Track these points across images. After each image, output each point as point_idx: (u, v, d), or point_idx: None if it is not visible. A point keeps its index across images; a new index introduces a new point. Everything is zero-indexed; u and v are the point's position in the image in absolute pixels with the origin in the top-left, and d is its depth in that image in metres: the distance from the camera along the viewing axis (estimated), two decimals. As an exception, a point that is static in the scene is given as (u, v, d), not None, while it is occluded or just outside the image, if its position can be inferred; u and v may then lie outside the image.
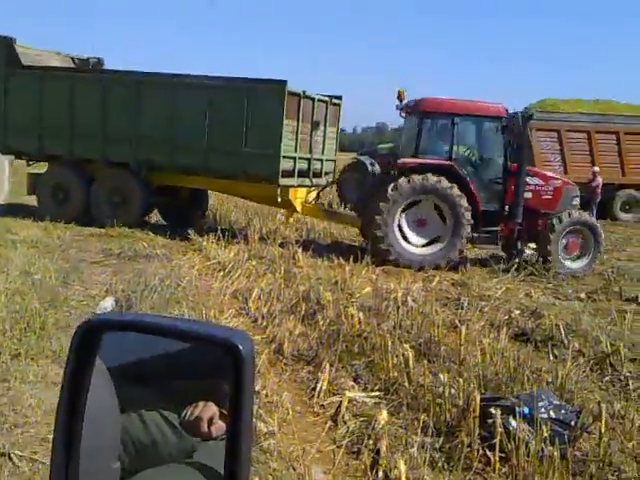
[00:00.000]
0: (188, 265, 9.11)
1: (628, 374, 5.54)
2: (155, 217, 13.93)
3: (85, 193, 12.31)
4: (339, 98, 13.21)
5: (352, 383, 5.10)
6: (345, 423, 4.38)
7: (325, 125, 12.73)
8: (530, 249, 11.16)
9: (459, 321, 6.75)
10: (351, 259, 9.89)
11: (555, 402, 4.34)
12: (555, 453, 3.66)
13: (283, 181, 11.50)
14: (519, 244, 10.96)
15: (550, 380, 5.07)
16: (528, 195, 10.64)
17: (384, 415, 4.32)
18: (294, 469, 3.75)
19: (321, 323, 6.33)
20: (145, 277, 7.45)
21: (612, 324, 7.18)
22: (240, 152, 11.35)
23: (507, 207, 10.70)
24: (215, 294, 7.62)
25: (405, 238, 10.60)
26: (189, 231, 11.44)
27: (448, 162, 10.51)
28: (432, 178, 10.25)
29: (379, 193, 10.59)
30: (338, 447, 4.08)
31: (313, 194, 13.05)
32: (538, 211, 10.75)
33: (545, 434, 3.80)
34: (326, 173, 13.40)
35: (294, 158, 11.76)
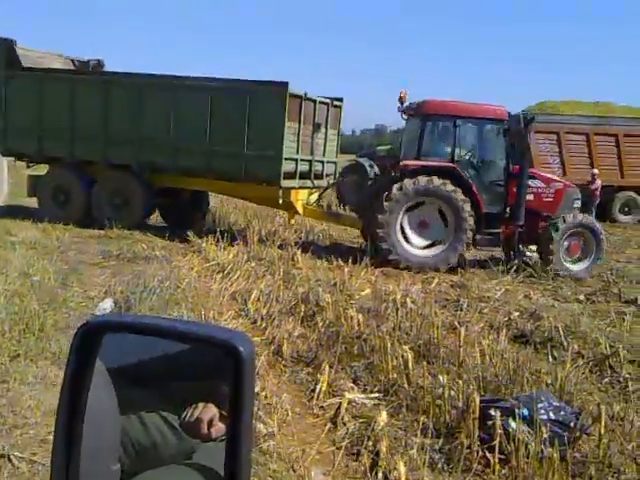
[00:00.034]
0: (187, 267, 9.12)
1: (627, 376, 5.54)
2: (156, 219, 13.93)
3: (86, 195, 12.32)
4: (340, 100, 13.27)
5: (351, 385, 5.10)
6: (345, 424, 4.38)
7: (326, 127, 12.77)
8: (531, 251, 11.18)
9: (458, 323, 6.75)
10: (350, 261, 9.90)
11: (555, 403, 4.34)
12: (555, 454, 3.66)
13: (285, 183, 11.52)
14: (520, 246, 10.99)
15: (549, 382, 5.06)
16: (529, 197, 10.66)
17: (384, 416, 4.32)
18: (294, 470, 3.75)
19: (320, 325, 6.34)
20: (144, 279, 7.44)
21: (611, 326, 7.20)
22: (242, 154, 11.37)
23: (509, 209, 10.74)
24: (214, 295, 7.63)
25: (407, 240, 10.63)
26: (188, 233, 11.45)
27: (450, 164, 10.54)
28: (437, 181, 10.29)
29: (381, 194, 10.60)
30: (338, 448, 4.08)
31: (314, 196, 13.08)
32: (539, 213, 10.78)
33: (545, 435, 3.80)
34: (327, 175, 13.45)
35: (296, 160, 11.80)
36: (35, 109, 12.30)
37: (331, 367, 5.23)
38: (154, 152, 11.91)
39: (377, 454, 3.90)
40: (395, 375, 5.10)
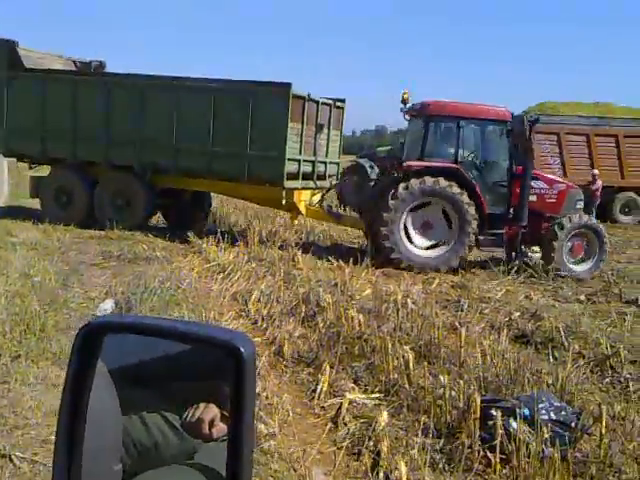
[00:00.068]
0: (188, 267, 9.13)
1: (628, 376, 5.54)
2: (157, 219, 13.96)
3: (88, 196, 12.35)
4: (342, 101, 13.31)
5: (352, 385, 5.11)
6: (345, 425, 4.39)
7: (329, 128, 12.81)
8: (533, 252, 11.21)
9: (459, 323, 6.75)
10: (351, 261, 9.91)
11: (555, 404, 4.34)
12: (556, 454, 3.67)
13: (288, 184, 11.56)
14: (522, 247, 11.03)
15: (550, 382, 5.07)
16: (533, 198, 10.72)
17: (384, 417, 4.32)
18: (295, 470, 3.76)
19: (321, 325, 6.35)
20: (145, 279, 7.45)
21: (612, 326, 7.20)
22: (245, 155, 11.40)
23: (512, 210, 10.78)
24: (215, 296, 7.65)
25: (410, 240, 10.66)
26: (189, 233, 11.47)
27: (454, 165, 10.58)
28: (443, 182, 10.32)
29: (386, 194, 10.62)
30: (339, 448, 4.09)
31: (317, 196, 13.12)
32: (542, 214, 10.82)
33: (546, 435, 3.81)
34: (330, 176, 13.49)
35: (298, 161, 11.85)
36: (37, 110, 12.32)
37: (332, 367, 5.24)
38: (156, 153, 11.94)
39: (378, 454, 3.91)
40: (396, 375, 5.11)
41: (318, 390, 4.88)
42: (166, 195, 12.72)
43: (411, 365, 5.14)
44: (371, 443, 4.05)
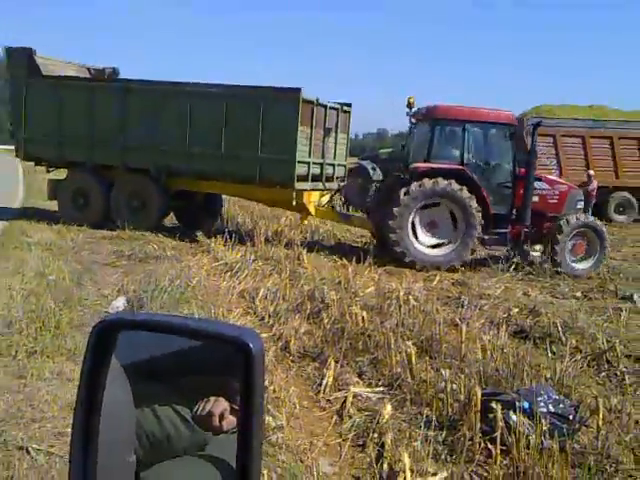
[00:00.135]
0: (197, 266, 9.20)
1: (624, 369, 5.62)
2: (170, 219, 14.07)
3: (105, 198, 12.54)
4: (349, 105, 13.49)
5: (357, 379, 5.19)
6: (350, 417, 4.45)
7: (336, 131, 12.98)
8: (535, 251, 11.33)
9: (460, 319, 6.84)
10: (354, 260, 10.01)
11: (554, 397, 4.39)
12: (554, 446, 3.72)
13: (298, 185, 11.72)
14: (525, 246, 11.14)
15: (549, 375, 5.14)
16: (535, 199, 10.90)
17: (388, 409, 4.40)
18: (302, 461, 3.82)
19: (326, 321, 6.42)
20: (155, 278, 7.54)
21: (608, 322, 7.29)
22: (256, 158, 11.56)
23: (515, 210, 10.94)
24: (223, 294, 7.73)
25: (416, 237, 10.79)
26: (198, 233, 11.60)
27: (460, 167, 10.73)
28: (456, 185, 10.48)
29: (393, 195, 10.78)
30: (344, 440, 4.15)
31: (326, 197, 13.29)
32: (545, 214, 11.01)
33: (544, 427, 3.86)
34: (337, 177, 13.64)
35: (308, 163, 12.00)
36: (55, 115, 12.51)
37: (337, 362, 5.31)
38: (171, 156, 12.12)
39: (382, 446, 3.96)
40: (399, 370, 5.18)
41: (324, 384, 4.96)
42: (180, 197, 12.92)
43: (413, 360, 5.20)
44: (375, 435, 4.12)
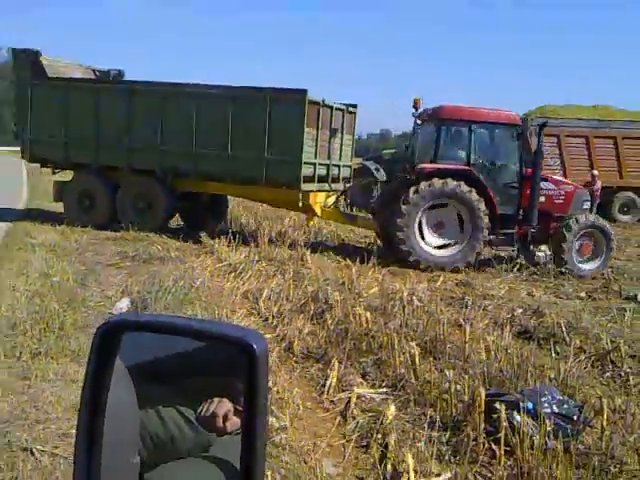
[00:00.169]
0: (201, 267, 9.22)
1: (628, 370, 5.62)
2: (176, 220, 14.11)
3: (111, 200, 12.60)
4: (354, 107, 13.55)
5: (360, 380, 5.19)
6: (354, 418, 4.45)
7: (342, 132, 13.03)
8: (541, 251, 11.33)
9: (463, 320, 6.86)
10: (358, 260, 10.02)
11: (558, 397, 4.39)
12: (558, 446, 3.72)
13: (304, 186, 11.75)
14: (531, 246, 11.15)
15: (553, 376, 5.14)
16: (541, 199, 10.93)
17: (392, 410, 4.39)
18: (305, 462, 3.81)
19: (330, 322, 6.42)
20: (159, 279, 7.56)
21: (612, 322, 7.29)
22: (262, 159, 11.61)
23: (522, 211, 10.96)
24: (227, 295, 7.74)
25: (422, 237, 10.82)
26: (201, 234, 11.63)
27: (467, 167, 10.76)
28: (465, 187, 10.51)
29: (399, 195, 10.80)
30: (348, 441, 4.15)
31: (332, 199, 13.32)
32: (551, 214, 11.03)
33: (549, 428, 3.86)
34: (343, 178, 13.69)
35: (314, 164, 12.05)
36: (60, 117, 12.59)
37: (340, 363, 5.32)
38: (177, 158, 12.18)
39: (386, 446, 3.96)
40: (403, 370, 5.18)
41: (327, 385, 4.96)
42: (185, 198, 12.97)
43: (417, 360, 5.20)
44: (379, 436, 4.12)
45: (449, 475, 3.73)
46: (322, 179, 12.56)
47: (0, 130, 44.77)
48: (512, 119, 11.16)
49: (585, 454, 3.96)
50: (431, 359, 5.51)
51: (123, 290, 7.37)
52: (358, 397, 4.78)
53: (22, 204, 16.67)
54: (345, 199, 18.15)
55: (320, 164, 12.34)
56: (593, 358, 5.86)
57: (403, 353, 5.40)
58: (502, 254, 11.47)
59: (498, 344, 5.76)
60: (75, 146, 12.74)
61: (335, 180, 13.24)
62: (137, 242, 10.95)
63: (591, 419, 4.32)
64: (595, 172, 18.14)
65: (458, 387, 4.69)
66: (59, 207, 13.61)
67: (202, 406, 1.29)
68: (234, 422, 1.26)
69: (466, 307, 7.74)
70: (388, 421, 4.27)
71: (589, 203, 11.77)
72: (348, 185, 14.43)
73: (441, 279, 9.77)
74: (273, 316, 6.83)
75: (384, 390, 5.00)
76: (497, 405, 4.03)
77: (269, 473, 3.41)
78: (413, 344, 5.54)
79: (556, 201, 11.17)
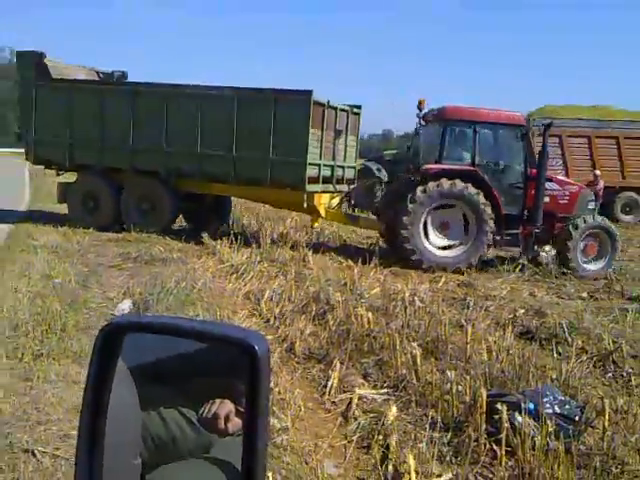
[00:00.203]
0: (202, 268, 9.22)
1: (630, 370, 5.60)
2: (180, 221, 14.13)
3: (115, 201, 12.61)
4: (359, 108, 13.58)
5: (362, 380, 5.20)
6: (355, 419, 4.45)
7: (346, 133, 13.04)
8: (545, 251, 11.34)
9: (465, 320, 6.86)
10: (360, 261, 10.04)
11: (560, 398, 4.39)
12: (560, 447, 3.71)
13: (309, 187, 11.77)
14: (535, 246, 11.16)
15: (554, 376, 5.14)
16: (546, 199, 10.94)
17: (393, 411, 4.39)
18: (307, 463, 3.81)
19: (331, 323, 6.43)
20: (161, 280, 7.56)
21: (614, 322, 7.27)
22: (267, 160, 11.63)
23: (527, 211, 10.99)
24: (228, 295, 7.76)
25: (427, 237, 10.85)
26: (203, 235, 11.65)
27: (472, 168, 10.78)
28: (472, 189, 10.54)
29: (405, 196, 10.81)
30: (349, 442, 4.15)
31: (336, 200, 13.34)
32: (555, 215, 11.06)
33: (550, 429, 3.86)
34: (347, 179, 13.70)
35: (319, 165, 12.06)
36: (65, 119, 12.62)
37: (342, 364, 5.32)
38: (181, 159, 12.19)
39: (387, 447, 3.95)
40: (404, 371, 5.17)
41: (329, 386, 4.96)
42: (189, 199, 12.98)
43: (419, 361, 5.19)
44: (380, 437, 4.11)
45: (450, 476, 3.74)
46: (327, 180, 12.57)
47: (2, 131, 44.88)
48: (517, 120, 11.19)
49: (587, 455, 3.94)
50: (433, 360, 5.51)
51: (125, 291, 7.38)
52: (359, 398, 4.78)
53: (24, 206, 16.72)
54: (349, 200, 18.18)
55: (325, 165, 12.35)
56: (595, 359, 5.84)
57: (405, 354, 5.40)
58: (503, 254, 11.46)
59: (500, 345, 5.76)
60: (79, 147, 12.77)
61: (339, 181, 13.26)
62: (139, 243, 10.95)
63: (593, 420, 4.30)
64: (597, 172, 18.19)
65: (459, 388, 4.67)
66: (61, 209, 13.64)
67: (204, 407, 1.29)
68: (235, 423, 1.26)
69: (468, 308, 7.74)
70: (389, 422, 4.27)
71: (594, 203, 11.80)
72: (352, 186, 14.44)
73: (443, 280, 9.77)
74: (275, 317, 6.84)
75: (385, 391, 5.00)
76: (499, 406, 4.02)
77: (270, 474, 3.41)
78: (415, 345, 5.54)
79: (561, 201, 11.19)
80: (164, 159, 12.29)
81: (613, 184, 19.47)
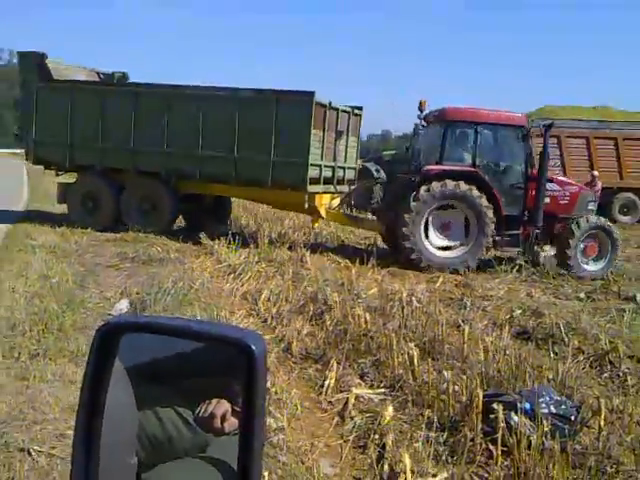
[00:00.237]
0: (200, 268, 9.22)
1: (626, 370, 5.61)
2: (180, 221, 14.16)
3: (115, 201, 12.61)
4: (360, 109, 13.61)
5: (359, 380, 5.20)
6: (352, 419, 4.45)
7: (347, 134, 13.07)
8: (545, 251, 11.36)
9: (462, 320, 6.88)
10: (357, 261, 10.03)
11: (556, 398, 4.39)
12: (556, 447, 3.72)
13: (310, 188, 11.78)
14: (535, 247, 11.19)
15: (551, 376, 5.14)
16: (546, 200, 10.96)
17: (390, 411, 4.41)
18: (303, 463, 3.82)
19: (328, 323, 6.44)
20: (159, 280, 7.56)
21: (611, 322, 7.27)
22: (269, 161, 11.63)
23: (527, 212, 11.01)
24: (226, 296, 7.77)
25: (427, 238, 10.88)
26: (201, 235, 11.65)
27: (472, 169, 10.81)
28: (476, 192, 10.55)
29: (406, 196, 10.83)
30: (345, 442, 4.16)
31: (336, 200, 13.36)
32: (556, 215, 11.08)
33: (546, 428, 3.86)
34: (348, 180, 13.74)
35: (320, 166, 12.08)
36: (65, 119, 12.61)
37: (339, 364, 5.33)
38: (182, 160, 12.19)
39: (383, 447, 3.97)
40: (401, 371, 5.18)
41: (325, 385, 4.97)
42: (189, 200, 12.99)
43: (415, 361, 5.19)
44: (377, 436, 4.12)
45: (446, 475, 3.74)
46: (327, 181, 12.60)
47: (1, 132, 44.82)
48: (518, 120, 11.22)
49: (582, 454, 3.95)
50: (429, 360, 5.48)
51: (122, 291, 7.38)
52: (356, 398, 4.78)
53: (22, 206, 16.71)
54: (349, 201, 18.20)
55: (326, 166, 12.38)
56: (591, 359, 5.86)
57: (402, 354, 5.40)
58: (501, 255, 11.47)
59: (497, 345, 5.76)
60: (80, 148, 12.77)
61: (340, 182, 13.29)
62: (137, 243, 10.94)
63: (588, 419, 4.31)
64: (595, 173, 18.20)
65: (456, 388, 4.68)
66: (59, 209, 13.64)
67: (200, 407, 1.29)
68: (232, 423, 1.26)
69: (465, 308, 7.75)
70: (386, 422, 4.28)
71: (594, 204, 11.77)
72: (353, 187, 14.47)
73: (440, 280, 9.78)
74: (272, 317, 6.85)
75: (382, 391, 5.00)
76: (495, 406, 4.02)
77: (266, 473, 3.41)
78: (412, 345, 5.55)
79: (561, 202, 11.22)
80: (165, 160, 12.30)
81: (611, 185, 19.49)
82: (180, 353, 1.24)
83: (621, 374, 5.57)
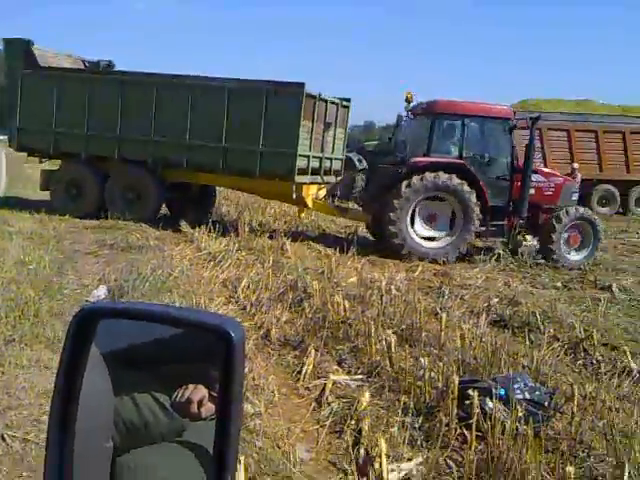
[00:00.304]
0: (180, 256, 9.20)
1: (600, 358, 5.70)
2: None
3: (100, 189, 12.51)
4: (348, 101, 13.64)
5: (336, 367, 5.23)
6: (329, 404, 4.48)
7: (335, 126, 13.08)
8: (528, 242, 11.50)
9: (440, 308, 6.94)
10: (337, 250, 10.07)
11: (530, 384, 4.44)
12: (529, 432, 3.74)
13: (298, 178, 11.79)
14: (519, 237, 11.32)
15: (526, 364, 5.21)
16: (531, 191, 11.09)
17: (366, 397, 4.44)
18: (279, 447, 3.83)
19: (307, 310, 6.46)
20: (137, 267, 7.52)
21: (586, 311, 7.39)
22: (258, 151, 11.61)
23: (512, 203, 11.13)
24: (205, 283, 7.71)
25: (413, 227, 10.96)
26: (181, 223, 11.58)
27: (459, 161, 10.88)
28: (466, 187, 10.66)
29: (393, 188, 10.88)
30: (322, 427, 4.18)
31: (323, 191, 13.38)
32: (540, 206, 11.22)
33: (520, 414, 3.90)
34: (335, 171, 13.76)
35: (308, 157, 12.09)
36: (50, 107, 12.48)
37: (317, 350, 5.35)
38: (169, 149, 12.13)
39: (359, 432, 4.00)
40: (378, 358, 5.22)
41: (303, 372, 4.99)
42: (175, 189, 12.94)
43: (393, 348, 5.23)
44: (353, 422, 4.15)
45: (420, 459, 3.77)
46: (315, 172, 12.62)
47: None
48: (504, 113, 11.34)
49: (555, 439, 4.01)
50: (407, 347, 5.54)
51: (100, 278, 7.33)
52: (333, 384, 4.81)
53: (1, 192, 16.46)
54: (335, 192, 18.21)
55: (314, 157, 12.40)
56: (566, 346, 5.93)
57: (379, 341, 5.44)
58: (481, 244, 11.58)
59: (473, 332, 5.83)
60: (65, 135, 12.65)
61: (327, 173, 13.32)
62: (116, 230, 10.86)
63: (562, 405, 4.37)
64: (575, 165, 18.45)
65: (432, 374, 4.72)
66: (38, 195, 13.48)
67: (177, 392, 1.29)
68: (209, 408, 1.26)
69: (443, 296, 7.81)
70: (362, 407, 4.31)
71: (577, 195, 11.97)
72: (339, 178, 14.52)
73: (419, 269, 9.85)
74: (251, 304, 6.84)
75: (359, 377, 5.04)
76: (470, 392, 4.05)
77: (242, 458, 3.41)
78: (390, 332, 5.58)
79: (546, 193, 11.37)
80: (152, 148, 12.23)
81: (590, 177, 19.73)
82: (158, 339, 1.22)
83: (595, 361, 5.66)
